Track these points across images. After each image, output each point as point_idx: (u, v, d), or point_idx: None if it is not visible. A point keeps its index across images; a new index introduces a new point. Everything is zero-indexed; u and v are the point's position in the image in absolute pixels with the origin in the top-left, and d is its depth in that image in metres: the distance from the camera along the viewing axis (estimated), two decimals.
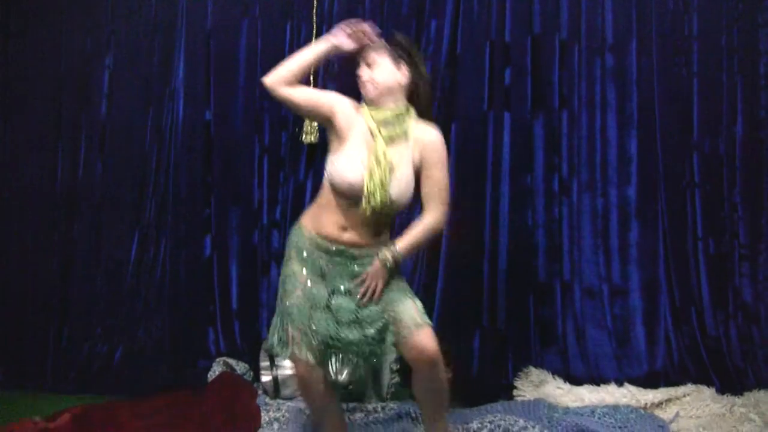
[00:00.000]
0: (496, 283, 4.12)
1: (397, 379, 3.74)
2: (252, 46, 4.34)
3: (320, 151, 4.11)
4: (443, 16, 4.14)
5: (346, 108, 2.76)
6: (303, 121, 4.11)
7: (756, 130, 4.04)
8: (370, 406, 3.63)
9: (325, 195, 2.76)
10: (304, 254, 2.76)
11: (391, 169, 2.65)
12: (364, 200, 2.62)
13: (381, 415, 3.59)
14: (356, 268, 2.73)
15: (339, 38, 2.76)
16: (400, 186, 2.66)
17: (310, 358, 2.70)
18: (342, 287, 2.73)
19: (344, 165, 2.67)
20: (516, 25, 4.12)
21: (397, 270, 2.77)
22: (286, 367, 3.78)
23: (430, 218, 2.74)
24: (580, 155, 4.14)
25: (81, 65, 4.45)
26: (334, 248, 2.72)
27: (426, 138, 2.74)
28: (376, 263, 2.69)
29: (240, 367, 4.09)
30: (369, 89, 2.73)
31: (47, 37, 4.46)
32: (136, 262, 4.34)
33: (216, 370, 4.04)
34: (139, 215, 4.36)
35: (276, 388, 3.84)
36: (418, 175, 2.74)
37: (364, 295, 2.69)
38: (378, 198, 2.61)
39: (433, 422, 2.84)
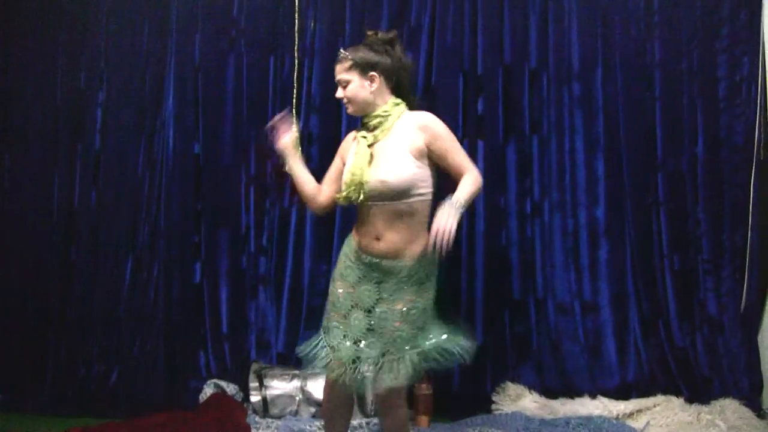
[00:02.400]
0: (474, 300, 4.22)
1: None
2: (238, 79, 4.41)
3: None
4: (419, 48, 4.23)
5: (346, 147, 2.97)
6: None
7: (716, 150, 4.20)
8: (354, 422, 3.69)
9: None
10: (349, 263, 2.87)
11: (371, 159, 2.77)
12: (352, 194, 2.78)
13: (365, 431, 3.72)
14: (385, 286, 2.79)
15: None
16: (392, 167, 2.73)
17: (346, 353, 2.77)
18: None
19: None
20: (488, 57, 4.24)
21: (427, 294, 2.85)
22: (275, 388, 3.92)
23: (471, 173, 2.78)
24: (551, 177, 4.27)
25: (76, 99, 4.51)
26: (367, 259, 2.81)
27: (419, 122, 2.81)
28: (444, 205, 2.66)
29: (230, 388, 4.14)
30: (349, 108, 2.89)
31: (45, 72, 4.51)
32: (131, 286, 4.38)
33: (207, 391, 4.11)
34: (132, 241, 4.40)
35: (265, 408, 3.95)
36: (426, 156, 2.79)
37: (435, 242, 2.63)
38: (360, 188, 2.74)
39: None
